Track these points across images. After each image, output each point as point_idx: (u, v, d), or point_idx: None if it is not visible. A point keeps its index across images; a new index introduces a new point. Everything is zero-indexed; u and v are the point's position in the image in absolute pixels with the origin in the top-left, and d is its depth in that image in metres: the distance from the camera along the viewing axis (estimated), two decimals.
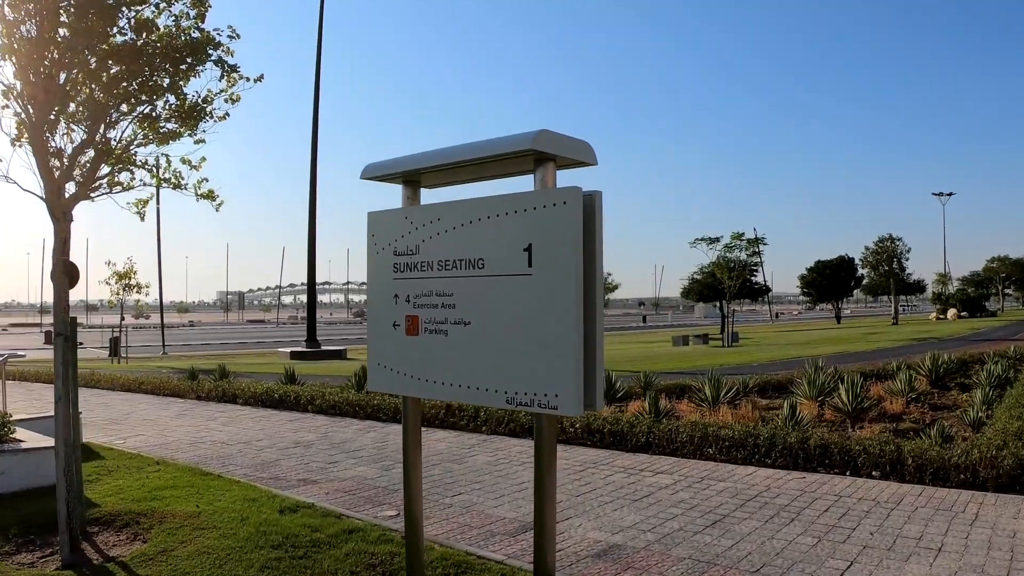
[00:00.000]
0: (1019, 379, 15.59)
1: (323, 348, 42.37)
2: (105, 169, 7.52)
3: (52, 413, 12.94)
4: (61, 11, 6.78)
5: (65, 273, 7.27)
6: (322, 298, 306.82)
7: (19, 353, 19.15)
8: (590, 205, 3.93)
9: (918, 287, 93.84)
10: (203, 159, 8.31)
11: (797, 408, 11.23)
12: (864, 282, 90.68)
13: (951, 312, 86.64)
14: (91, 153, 7.30)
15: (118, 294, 40.16)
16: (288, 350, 41.91)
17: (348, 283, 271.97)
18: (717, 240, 45.37)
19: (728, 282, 44.94)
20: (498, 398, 4.21)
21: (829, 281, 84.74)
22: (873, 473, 8.96)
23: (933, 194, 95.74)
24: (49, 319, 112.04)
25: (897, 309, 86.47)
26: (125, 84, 7.30)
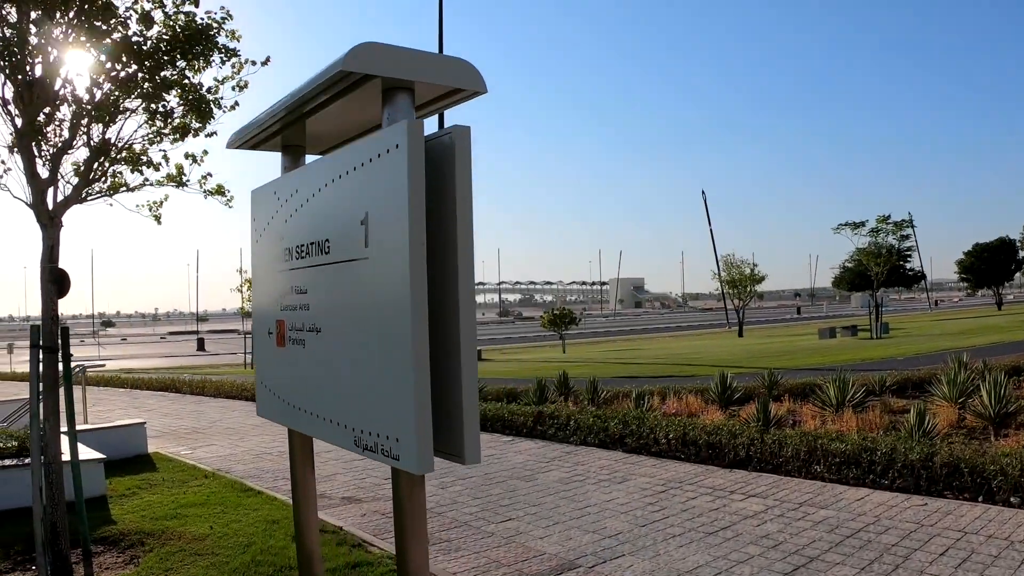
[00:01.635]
0: None
1: None
2: (101, 169, 7.01)
3: (111, 424, 12.83)
4: (57, 11, 6.22)
5: (53, 281, 6.80)
6: (477, 299, 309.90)
7: (98, 362, 19.13)
8: (445, 149, 2.58)
9: None
10: (205, 152, 7.58)
11: (927, 415, 9.27)
12: None
13: None
14: (84, 154, 6.78)
15: (249, 301, 40.52)
16: None
17: (501, 283, 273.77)
18: (862, 225, 41.96)
19: (875, 268, 41.50)
20: (347, 437, 2.96)
21: (988, 265, 77.41)
22: (1011, 500, 6.98)
23: None
24: (205, 327, 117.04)
25: None
26: (143, 81, 6.78)
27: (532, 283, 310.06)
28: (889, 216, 41.51)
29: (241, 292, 40.55)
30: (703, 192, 73.32)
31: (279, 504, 8.38)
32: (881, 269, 41.23)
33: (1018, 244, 78.27)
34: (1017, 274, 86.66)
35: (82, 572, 6.50)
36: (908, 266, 61.42)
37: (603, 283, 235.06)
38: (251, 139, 3.53)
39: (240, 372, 32.65)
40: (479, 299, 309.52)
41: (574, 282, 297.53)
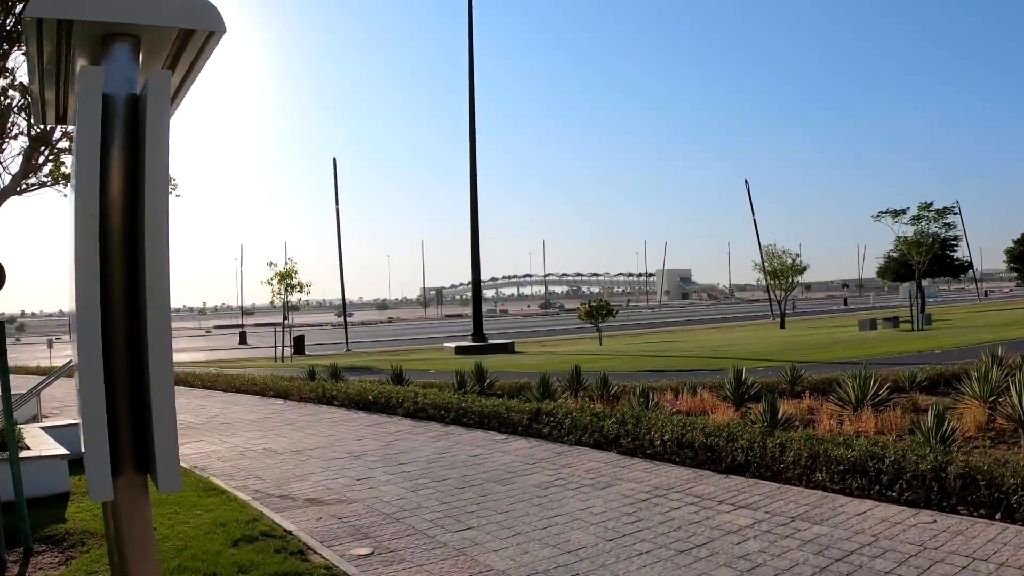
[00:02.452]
0: None
1: (490, 342, 41.07)
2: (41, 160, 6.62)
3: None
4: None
5: None
6: (524, 290, 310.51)
7: None
8: (141, 105, 2.10)
9: None
10: None
11: (949, 417, 8.31)
12: None
13: None
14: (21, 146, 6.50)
15: (279, 294, 40.21)
16: (454, 345, 41.09)
17: (548, 275, 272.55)
18: (903, 212, 40.17)
19: (917, 259, 39.74)
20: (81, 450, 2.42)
21: None
22: None
23: None
24: (251, 321, 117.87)
25: None
26: None
27: (579, 275, 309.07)
28: (931, 203, 39.70)
29: (271, 285, 40.21)
30: (746, 181, 71.68)
31: (237, 505, 8.01)
32: (923, 259, 39.55)
33: None
34: None
35: (15, 572, 6.32)
36: (955, 255, 58.85)
37: (650, 274, 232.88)
38: (50, 112, 2.95)
39: (268, 365, 32.37)
40: (526, 291, 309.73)
41: (621, 273, 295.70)
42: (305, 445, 11.60)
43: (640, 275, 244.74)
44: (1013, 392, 8.92)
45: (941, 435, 7.80)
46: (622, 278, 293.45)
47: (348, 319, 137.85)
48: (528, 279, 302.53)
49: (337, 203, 60.61)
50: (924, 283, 52.90)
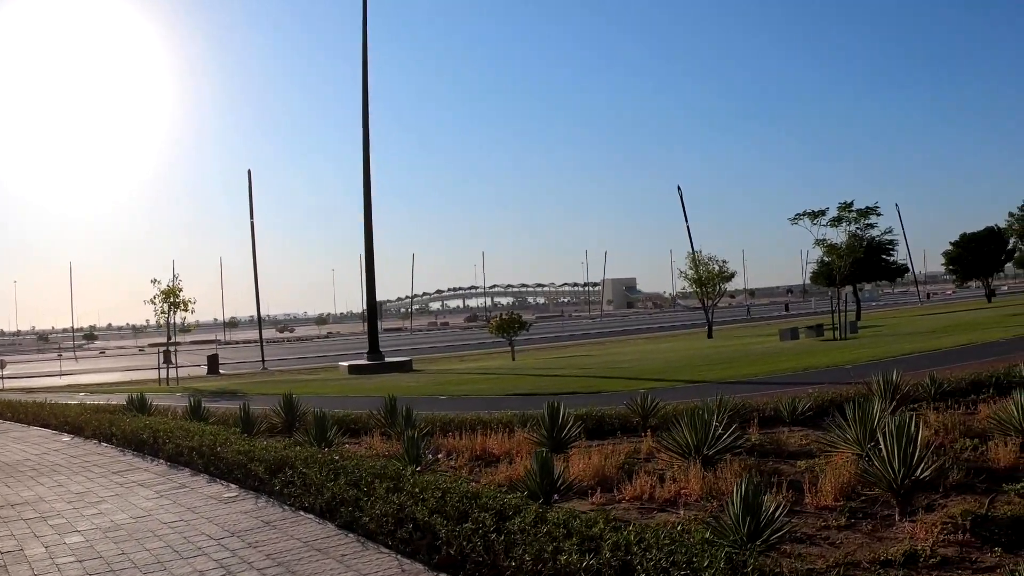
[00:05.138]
0: None
1: (386, 361, 38.32)
2: None
3: None
4: None
5: None
6: (470, 302, 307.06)
7: None
8: None
9: None
10: None
11: (764, 497, 5.45)
12: (1016, 255, 77.53)
13: None
14: None
15: (164, 312, 37.09)
16: (347, 364, 38.40)
17: (493, 286, 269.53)
18: (822, 213, 37.54)
19: (836, 263, 37.28)
20: None
21: (975, 256, 71.43)
22: None
23: None
24: (188, 339, 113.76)
25: None
26: None
27: (524, 285, 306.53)
28: (852, 203, 37.33)
29: (155, 304, 37.00)
30: (679, 187, 69.68)
31: None
32: (843, 263, 37.21)
33: (1012, 233, 73.22)
34: (1008, 264, 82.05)
35: None
36: (891, 259, 56.67)
37: (594, 284, 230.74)
38: None
39: (144, 389, 29.16)
40: (472, 303, 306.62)
41: (566, 283, 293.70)
42: (10, 501, 9.16)
43: (585, 285, 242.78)
44: (883, 443, 6.25)
45: (755, 525, 5.07)
46: (567, 288, 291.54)
47: (290, 334, 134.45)
48: (473, 291, 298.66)
49: (252, 216, 59.35)
50: (867, 287, 51.01)
